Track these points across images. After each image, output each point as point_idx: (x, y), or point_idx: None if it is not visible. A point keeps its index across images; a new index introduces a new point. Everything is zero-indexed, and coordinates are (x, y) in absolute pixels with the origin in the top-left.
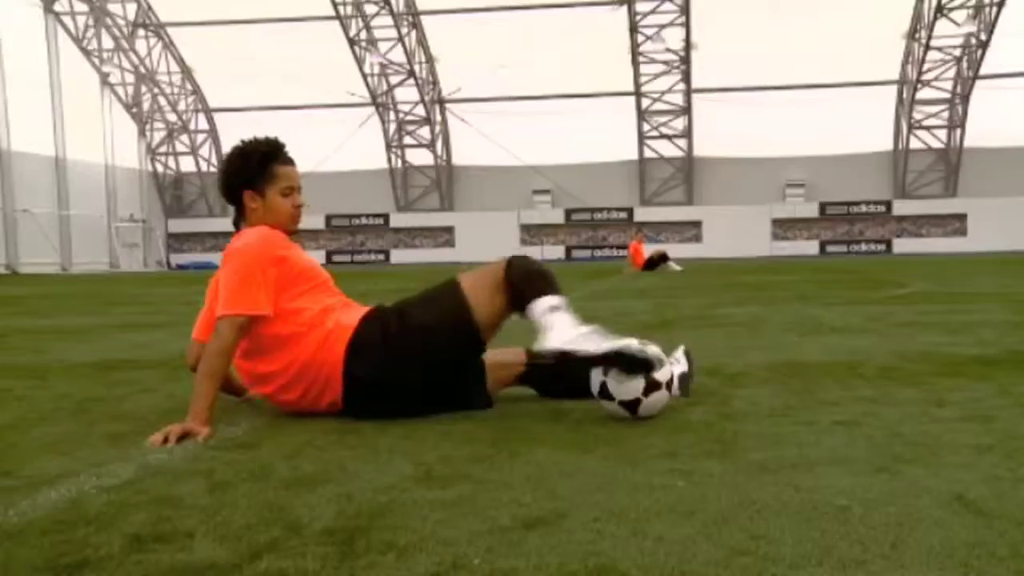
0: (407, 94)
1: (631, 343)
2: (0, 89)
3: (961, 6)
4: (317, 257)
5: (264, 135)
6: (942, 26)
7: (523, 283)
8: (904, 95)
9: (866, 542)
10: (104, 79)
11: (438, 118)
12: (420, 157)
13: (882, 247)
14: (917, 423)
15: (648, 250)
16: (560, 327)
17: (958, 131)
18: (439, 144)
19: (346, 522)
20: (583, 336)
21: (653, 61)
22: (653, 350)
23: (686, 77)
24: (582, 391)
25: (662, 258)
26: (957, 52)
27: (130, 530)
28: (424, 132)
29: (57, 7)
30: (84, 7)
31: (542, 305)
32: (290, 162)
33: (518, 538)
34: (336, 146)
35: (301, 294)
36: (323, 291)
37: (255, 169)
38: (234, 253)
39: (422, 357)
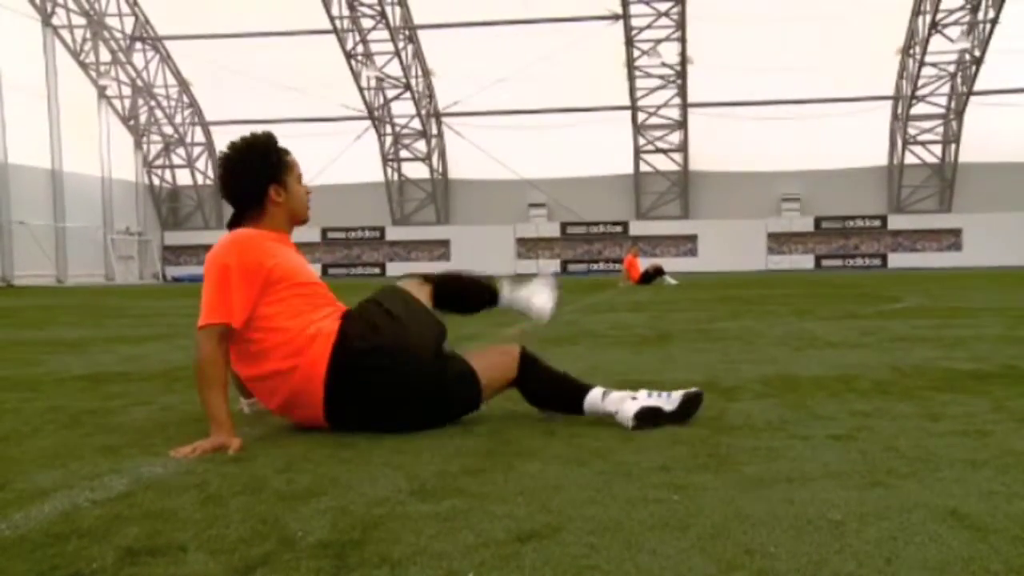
0: (403, 108)
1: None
2: None
3: (955, 23)
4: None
5: (252, 132)
6: (936, 42)
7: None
8: (899, 110)
9: (860, 557)
10: (101, 92)
11: (434, 131)
12: (416, 170)
13: (877, 261)
14: (912, 438)
15: (643, 264)
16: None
17: (953, 146)
18: (435, 157)
19: (340, 535)
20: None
21: (649, 75)
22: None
23: (682, 91)
24: (571, 406)
25: (657, 272)
26: (951, 68)
27: (123, 543)
28: (420, 146)
29: (55, 20)
30: (82, 20)
31: (595, 399)
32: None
33: (512, 552)
34: (332, 159)
35: (282, 300)
36: (307, 299)
37: (277, 161)
38: (212, 260)
39: (402, 366)
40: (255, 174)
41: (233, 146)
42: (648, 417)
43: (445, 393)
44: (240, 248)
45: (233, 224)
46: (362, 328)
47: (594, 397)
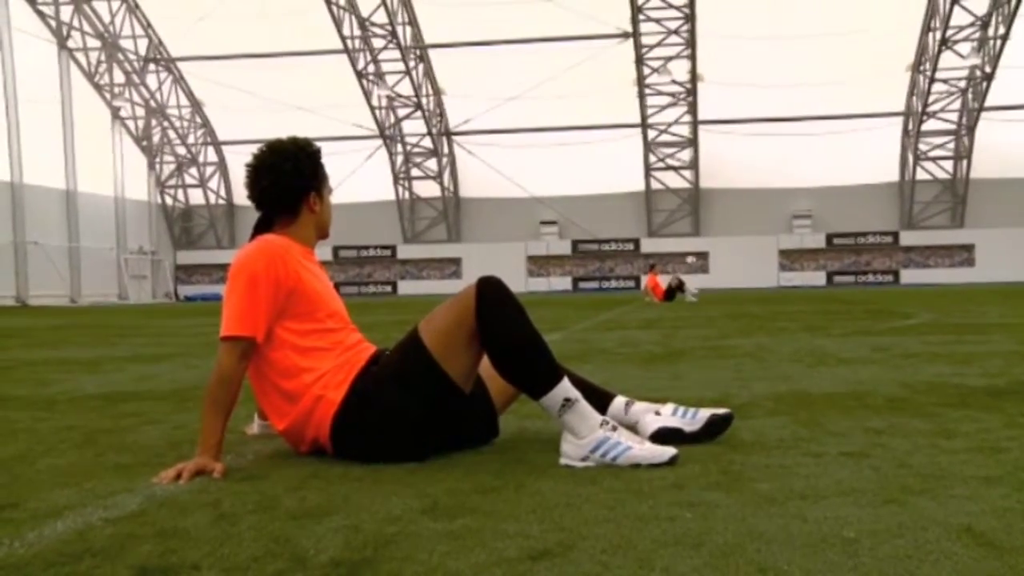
0: (414, 126)
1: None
2: (14, 123)
3: (966, 39)
4: None
5: (291, 136)
6: (947, 58)
7: (521, 369)
8: (910, 126)
9: (874, 575)
10: (115, 113)
11: (445, 150)
12: (427, 189)
13: (889, 278)
14: (925, 454)
15: (662, 281)
16: (578, 436)
17: (964, 162)
18: (446, 176)
19: (352, 554)
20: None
21: (659, 93)
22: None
23: (692, 109)
24: None
25: (679, 287)
26: (962, 84)
27: (136, 562)
28: (431, 164)
29: (71, 43)
30: (97, 43)
31: (555, 401)
32: None
33: (524, 570)
34: (343, 178)
35: (297, 332)
36: (329, 334)
37: (319, 168)
38: (240, 266)
39: (405, 432)
40: (300, 177)
41: (279, 145)
42: (664, 440)
43: (460, 432)
44: (270, 257)
45: (260, 229)
46: (365, 413)
47: (617, 407)
